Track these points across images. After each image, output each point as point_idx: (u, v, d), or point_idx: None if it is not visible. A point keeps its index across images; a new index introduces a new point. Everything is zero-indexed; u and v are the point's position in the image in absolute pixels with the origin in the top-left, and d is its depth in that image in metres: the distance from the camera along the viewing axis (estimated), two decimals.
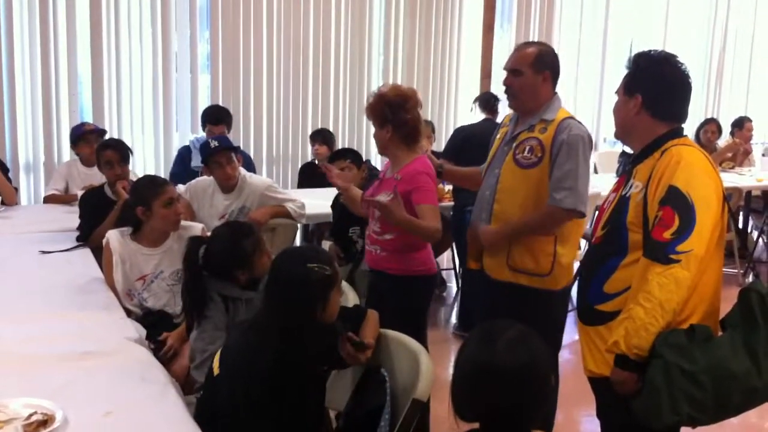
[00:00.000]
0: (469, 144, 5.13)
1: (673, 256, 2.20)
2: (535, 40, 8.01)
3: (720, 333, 2.32)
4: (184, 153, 5.89)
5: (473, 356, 1.82)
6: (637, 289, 2.28)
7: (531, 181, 3.14)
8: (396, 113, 3.34)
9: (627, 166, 2.56)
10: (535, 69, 3.16)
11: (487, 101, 5.74)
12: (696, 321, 2.27)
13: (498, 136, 3.41)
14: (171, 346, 3.20)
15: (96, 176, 4.49)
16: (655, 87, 2.44)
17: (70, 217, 4.52)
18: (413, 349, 2.52)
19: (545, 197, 3.10)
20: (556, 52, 3.28)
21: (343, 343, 2.48)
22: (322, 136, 6.31)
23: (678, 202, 2.24)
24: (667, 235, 2.22)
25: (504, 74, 3.28)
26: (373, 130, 3.52)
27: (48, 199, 5.35)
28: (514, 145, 3.21)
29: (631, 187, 2.43)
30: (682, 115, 2.49)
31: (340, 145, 7.10)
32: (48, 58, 6.07)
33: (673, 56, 2.48)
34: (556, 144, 3.07)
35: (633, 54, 2.54)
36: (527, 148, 3.15)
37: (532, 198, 3.14)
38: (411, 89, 3.48)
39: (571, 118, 3.16)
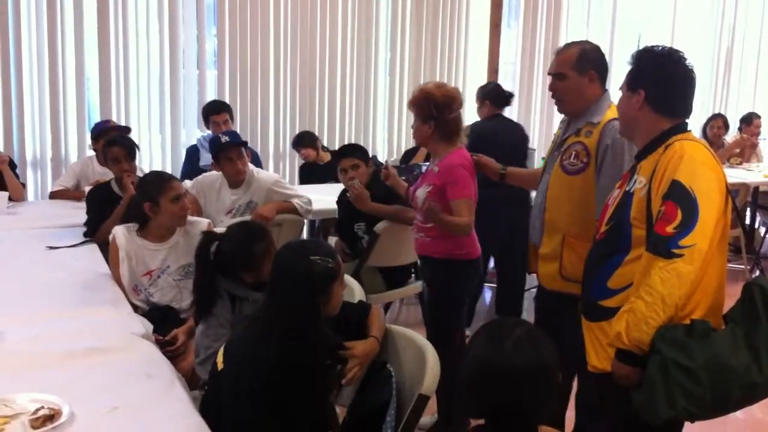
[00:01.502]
0: (485, 144, 4.46)
1: (675, 251, 2.19)
2: (542, 36, 8.03)
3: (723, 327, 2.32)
4: (192, 152, 5.90)
5: (481, 354, 1.84)
6: (638, 284, 2.28)
7: (576, 188, 3.02)
8: (441, 112, 3.47)
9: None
10: (579, 70, 3.02)
11: (501, 97, 5.25)
12: (699, 316, 2.27)
13: (554, 138, 3.32)
14: (183, 342, 3.22)
15: (110, 176, 4.49)
16: (658, 82, 2.44)
17: (77, 213, 4.52)
18: (419, 344, 2.52)
19: (592, 205, 2.92)
20: (600, 48, 3.12)
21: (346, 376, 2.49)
22: (304, 141, 6.33)
23: (681, 197, 2.24)
24: (669, 229, 2.22)
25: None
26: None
27: (54, 195, 5.34)
28: (563, 149, 3.11)
29: (634, 182, 2.43)
30: (686, 111, 2.48)
31: (346, 141, 7.11)
32: (55, 53, 6.09)
33: (677, 52, 2.47)
34: (601, 149, 2.94)
35: (636, 50, 2.54)
36: (573, 153, 3.04)
37: (579, 206, 3.00)
38: (456, 89, 3.58)
39: (617, 119, 2.84)
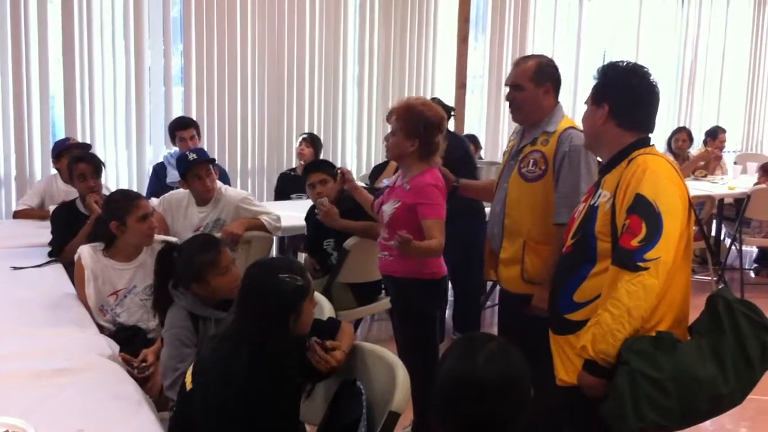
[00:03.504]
0: None
1: (641, 264, 2.23)
2: (509, 51, 8.10)
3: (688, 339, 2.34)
4: (159, 170, 5.85)
5: (454, 368, 1.84)
6: (606, 297, 2.30)
7: (537, 194, 3.17)
8: (429, 133, 3.39)
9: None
10: (536, 82, 3.18)
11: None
12: (664, 328, 2.30)
13: (507, 149, 3.46)
14: (153, 363, 3.15)
15: (75, 193, 4.44)
16: (622, 97, 2.48)
17: (42, 232, 4.46)
18: (389, 361, 2.51)
19: (552, 210, 3.12)
20: (554, 62, 3.29)
21: (312, 351, 2.48)
22: (310, 138, 6.39)
23: (645, 211, 2.27)
24: (634, 242, 2.25)
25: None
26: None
27: (18, 214, 5.26)
28: (520, 158, 3.24)
29: (599, 196, 2.46)
30: (649, 125, 2.52)
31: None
32: (20, 70, 6.00)
33: (641, 67, 2.52)
34: (558, 156, 3.11)
35: (601, 64, 2.58)
36: (531, 161, 3.19)
37: (541, 210, 3.15)
38: (442, 110, 3.52)
39: (572, 127, 3.17)
